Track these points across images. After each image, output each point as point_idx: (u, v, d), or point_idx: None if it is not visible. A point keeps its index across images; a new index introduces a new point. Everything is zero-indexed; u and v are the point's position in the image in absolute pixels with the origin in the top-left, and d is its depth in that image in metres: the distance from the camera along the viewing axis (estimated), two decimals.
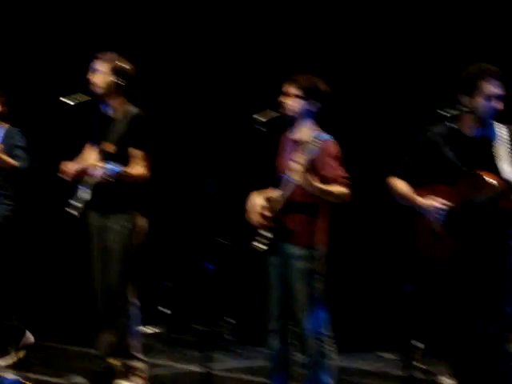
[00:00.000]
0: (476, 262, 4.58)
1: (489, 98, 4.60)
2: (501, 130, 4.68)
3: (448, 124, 4.72)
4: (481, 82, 4.61)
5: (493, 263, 4.58)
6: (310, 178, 4.91)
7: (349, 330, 6.85)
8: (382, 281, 7.56)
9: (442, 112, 4.77)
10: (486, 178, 4.53)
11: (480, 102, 4.62)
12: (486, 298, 4.57)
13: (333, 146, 5.14)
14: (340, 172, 5.07)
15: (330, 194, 5.02)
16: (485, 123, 4.67)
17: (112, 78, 5.71)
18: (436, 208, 4.62)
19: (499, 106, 4.63)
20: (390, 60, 7.87)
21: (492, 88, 4.60)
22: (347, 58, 7.97)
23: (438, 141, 4.72)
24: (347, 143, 5.40)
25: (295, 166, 4.94)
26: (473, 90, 4.62)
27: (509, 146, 4.62)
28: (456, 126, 4.72)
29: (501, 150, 4.62)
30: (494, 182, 4.50)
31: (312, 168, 4.96)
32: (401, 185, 4.81)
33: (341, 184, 5.05)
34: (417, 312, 6.31)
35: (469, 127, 4.70)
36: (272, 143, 5.40)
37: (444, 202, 4.61)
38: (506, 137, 4.65)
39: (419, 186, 4.77)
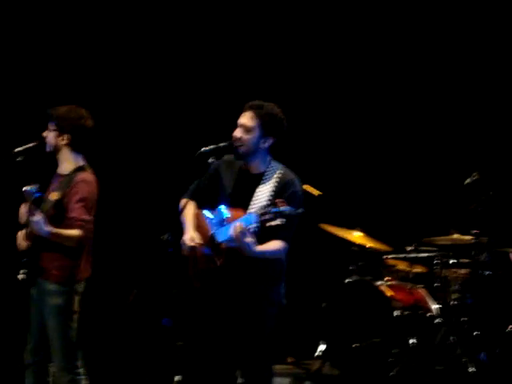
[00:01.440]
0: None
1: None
2: (273, 170, 4.71)
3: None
4: None
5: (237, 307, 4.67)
6: (41, 220, 4.78)
7: (106, 368, 6.77)
8: (140, 314, 7.54)
9: (203, 149, 4.80)
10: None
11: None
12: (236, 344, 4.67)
13: (83, 184, 4.98)
14: (77, 214, 4.90)
15: (61, 237, 4.89)
16: (239, 157, 4.73)
17: None
18: (183, 242, 4.69)
19: (234, 133, 4.69)
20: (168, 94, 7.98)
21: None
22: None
23: (222, 169, 4.78)
24: (115, 176, 5.34)
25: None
26: None
27: (271, 187, 4.66)
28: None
29: (262, 190, 4.67)
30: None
31: (61, 206, 4.88)
32: (187, 207, 4.80)
33: (74, 227, 4.89)
34: (176, 345, 6.32)
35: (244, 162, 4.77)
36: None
37: (193, 239, 4.66)
38: (272, 178, 4.68)
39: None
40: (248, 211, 4.58)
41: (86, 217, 4.92)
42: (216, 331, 4.68)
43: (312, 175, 6.86)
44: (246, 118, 4.67)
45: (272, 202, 4.39)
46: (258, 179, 4.69)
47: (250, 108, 4.70)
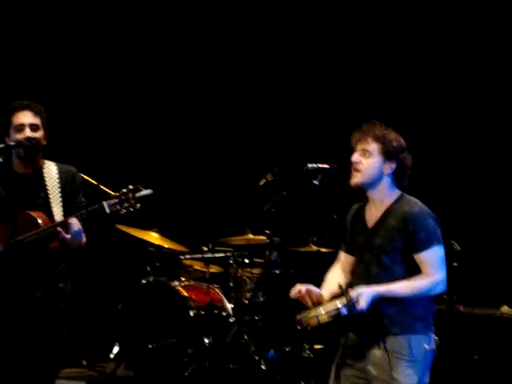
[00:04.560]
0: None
1: (18, 129, 4.61)
2: (51, 168, 4.69)
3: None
4: (11, 117, 4.63)
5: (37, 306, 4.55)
6: None
7: None
8: None
9: None
10: (33, 217, 4.50)
11: (14, 136, 4.62)
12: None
13: None
14: None
15: None
16: (29, 158, 4.64)
17: None
18: None
19: (28, 134, 4.59)
20: None
21: (19, 119, 4.62)
22: None
23: None
24: None
25: None
26: (8, 126, 4.64)
27: (57, 184, 4.64)
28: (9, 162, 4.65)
29: (50, 189, 4.63)
30: (40, 220, 4.48)
31: None
32: None
33: None
34: None
35: (19, 164, 4.67)
36: None
37: None
38: (54, 175, 4.66)
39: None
40: (53, 209, 4.55)
41: None
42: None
43: (108, 175, 6.80)
44: (33, 118, 4.63)
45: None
46: (38, 179, 4.64)
47: (29, 107, 4.66)
